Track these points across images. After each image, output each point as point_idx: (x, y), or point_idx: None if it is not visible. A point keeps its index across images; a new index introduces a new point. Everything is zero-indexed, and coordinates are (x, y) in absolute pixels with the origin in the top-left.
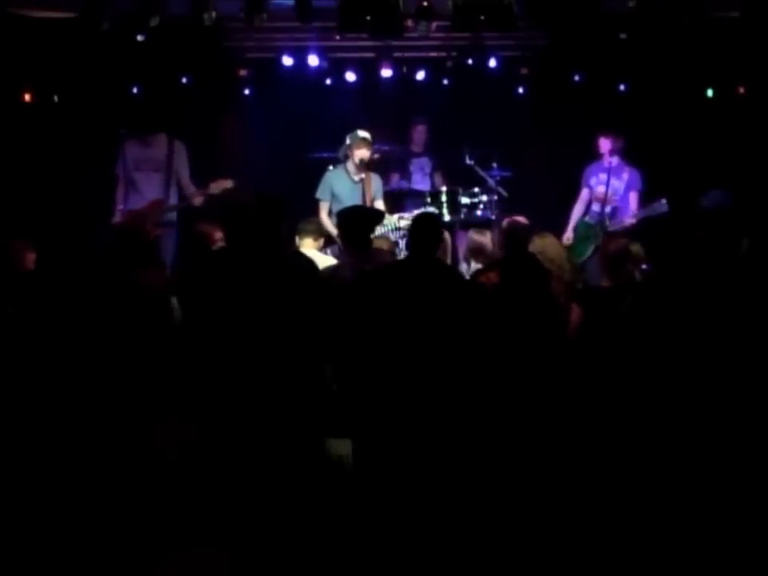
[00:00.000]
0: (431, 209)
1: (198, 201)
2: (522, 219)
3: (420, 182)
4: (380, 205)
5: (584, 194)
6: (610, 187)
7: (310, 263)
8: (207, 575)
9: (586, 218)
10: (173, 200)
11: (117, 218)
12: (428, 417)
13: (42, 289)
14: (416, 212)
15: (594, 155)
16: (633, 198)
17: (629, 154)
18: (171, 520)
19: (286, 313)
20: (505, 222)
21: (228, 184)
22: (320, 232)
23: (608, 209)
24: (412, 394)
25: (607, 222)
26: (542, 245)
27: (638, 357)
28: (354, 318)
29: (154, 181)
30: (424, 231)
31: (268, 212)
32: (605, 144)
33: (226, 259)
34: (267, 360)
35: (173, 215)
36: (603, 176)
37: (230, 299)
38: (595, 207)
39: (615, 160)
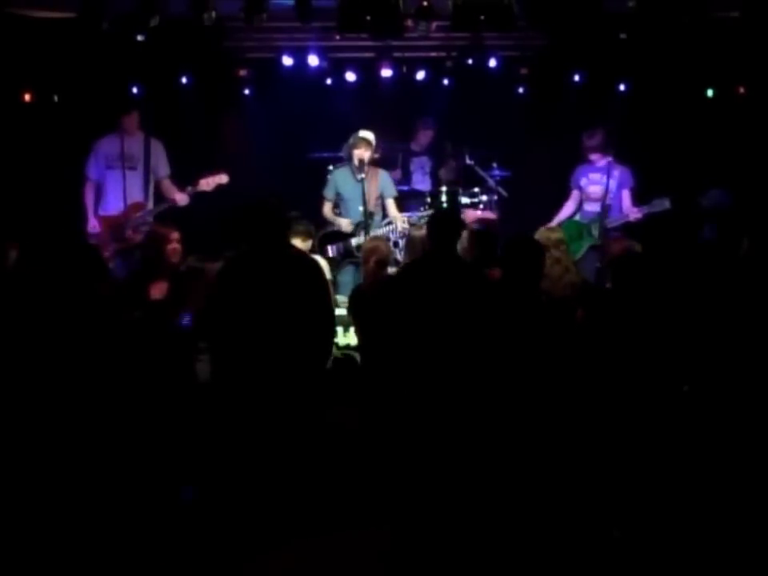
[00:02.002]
0: (429, 210)
1: (182, 201)
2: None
3: (420, 181)
4: (391, 204)
5: (574, 195)
6: (603, 186)
7: (314, 262)
8: (366, 554)
9: (577, 217)
10: (150, 202)
11: (94, 227)
12: (450, 408)
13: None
14: (416, 214)
15: (583, 158)
16: (626, 195)
17: (629, 154)
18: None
19: (294, 308)
20: (473, 225)
21: (222, 179)
22: (309, 233)
23: (599, 207)
24: (433, 383)
25: (606, 220)
26: (542, 237)
27: (639, 356)
28: (382, 312)
29: (129, 180)
30: (443, 227)
31: (270, 213)
32: (595, 157)
33: (253, 259)
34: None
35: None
36: (594, 176)
37: (238, 299)
38: (587, 207)
39: (604, 159)
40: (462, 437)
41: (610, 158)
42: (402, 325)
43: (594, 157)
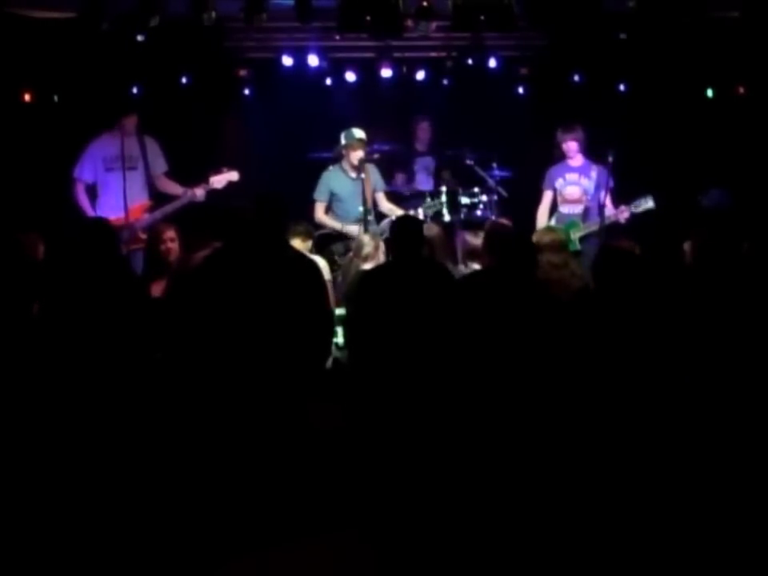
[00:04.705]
0: (434, 205)
1: (201, 197)
2: (505, 221)
3: (424, 181)
4: (381, 197)
5: (546, 196)
6: (580, 187)
7: (312, 263)
8: (347, 557)
9: (552, 221)
10: (150, 201)
11: None
12: (421, 410)
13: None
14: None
15: (560, 156)
16: (605, 195)
17: (628, 154)
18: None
19: (291, 309)
20: (488, 225)
21: (233, 177)
22: (308, 233)
23: (579, 209)
24: (401, 382)
25: (588, 222)
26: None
27: (639, 357)
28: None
29: (130, 180)
30: (405, 232)
31: (269, 213)
32: (573, 146)
33: (228, 261)
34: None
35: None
36: (571, 176)
37: (232, 299)
38: (564, 209)
39: (581, 159)
40: (432, 433)
41: (610, 159)
42: (367, 327)
43: (572, 147)
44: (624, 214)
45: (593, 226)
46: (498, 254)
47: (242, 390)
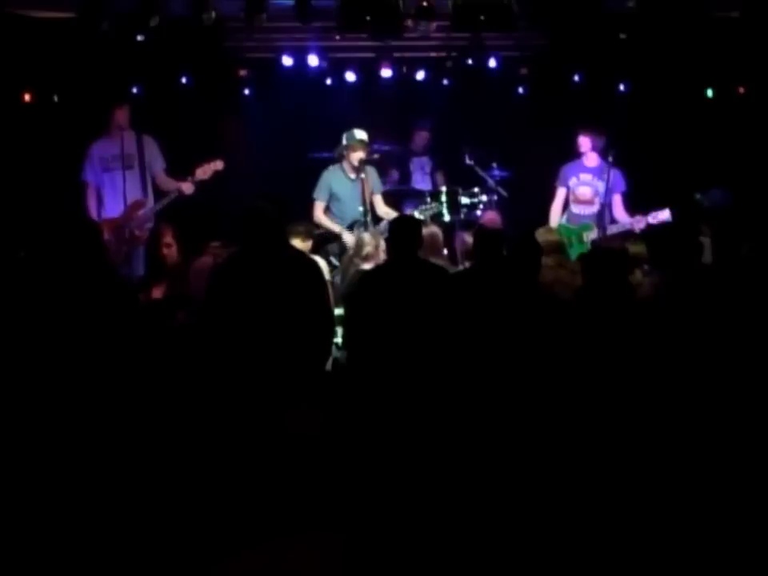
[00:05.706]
0: (431, 208)
1: (188, 189)
2: (495, 219)
3: (420, 181)
4: (379, 200)
5: (560, 193)
6: (593, 188)
7: (313, 262)
8: (322, 558)
9: (563, 220)
10: (150, 199)
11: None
12: (417, 408)
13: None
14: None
15: (574, 154)
16: (617, 199)
17: (628, 154)
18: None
19: (294, 308)
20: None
21: (218, 166)
22: (308, 233)
23: (590, 211)
24: (396, 380)
25: (596, 227)
26: (543, 239)
27: (639, 358)
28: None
29: (128, 180)
30: (402, 233)
31: (275, 213)
32: (585, 142)
33: (247, 259)
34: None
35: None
36: (585, 176)
37: (249, 295)
38: (575, 209)
39: (596, 160)
40: (427, 433)
41: (610, 159)
42: (364, 328)
43: (582, 143)
44: (640, 224)
45: (622, 227)
46: (480, 254)
47: (245, 390)
